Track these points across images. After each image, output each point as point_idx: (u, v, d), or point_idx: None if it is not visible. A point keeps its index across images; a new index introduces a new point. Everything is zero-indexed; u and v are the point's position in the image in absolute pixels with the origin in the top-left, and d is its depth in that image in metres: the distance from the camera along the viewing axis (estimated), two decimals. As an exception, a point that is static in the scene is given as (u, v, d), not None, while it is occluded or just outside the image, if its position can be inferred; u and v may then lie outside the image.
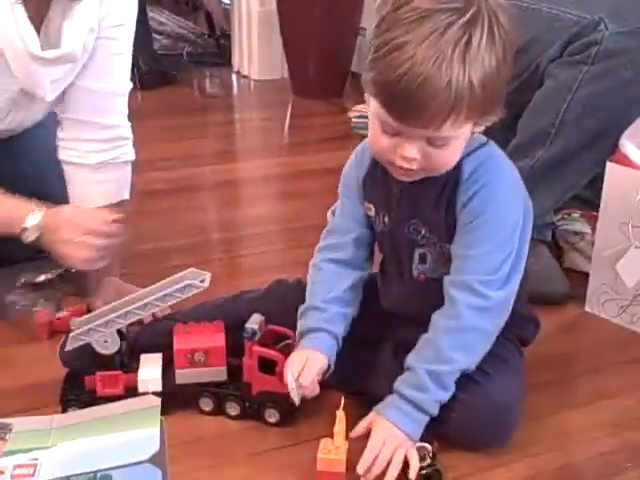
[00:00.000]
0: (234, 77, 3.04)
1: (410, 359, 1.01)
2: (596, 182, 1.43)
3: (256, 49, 2.97)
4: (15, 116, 1.30)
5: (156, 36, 3.18)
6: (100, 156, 1.30)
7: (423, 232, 1.04)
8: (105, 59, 1.26)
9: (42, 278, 1.39)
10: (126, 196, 1.36)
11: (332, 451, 0.99)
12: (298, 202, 1.88)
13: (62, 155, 1.32)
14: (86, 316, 1.11)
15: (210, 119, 2.57)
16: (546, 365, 1.22)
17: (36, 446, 0.73)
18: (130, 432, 0.73)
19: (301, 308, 1.09)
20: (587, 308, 1.41)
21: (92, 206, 1.27)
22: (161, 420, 0.74)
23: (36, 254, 1.35)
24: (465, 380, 1.01)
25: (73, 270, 1.35)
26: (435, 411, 1.00)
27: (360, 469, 0.97)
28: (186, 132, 2.37)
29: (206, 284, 1.06)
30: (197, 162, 2.20)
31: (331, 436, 1.00)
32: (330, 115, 2.52)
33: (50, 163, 1.34)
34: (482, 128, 0.98)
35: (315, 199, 1.80)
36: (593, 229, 1.47)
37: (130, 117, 1.35)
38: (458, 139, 0.94)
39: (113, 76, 1.29)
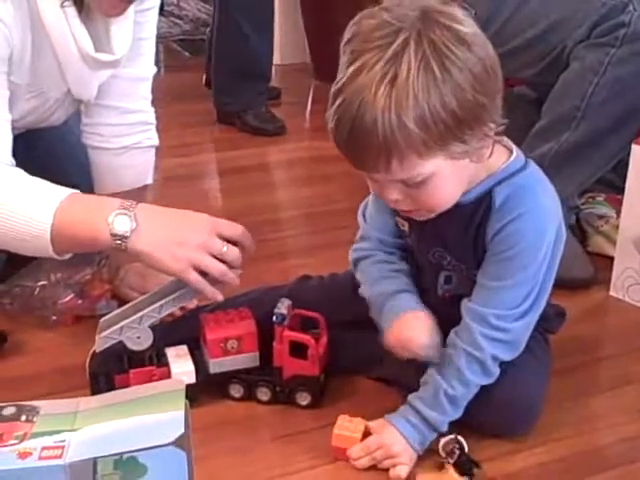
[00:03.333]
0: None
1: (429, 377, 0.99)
2: (620, 165, 1.41)
3: (278, 33, 2.95)
4: (60, 115, 1.30)
5: (176, 21, 3.17)
6: (124, 140, 1.31)
7: (449, 259, 1.01)
8: (132, 43, 1.24)
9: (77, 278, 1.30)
10: (150, 181, 1.37)
11: (348, 428, 1.00)
12: (320, 187, 1.87)
13: (87, 140, 1.33)
14: (112, 314, 1.09)
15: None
16: (570, 350, 1.21)
17: (63, 428, 0.74)
18: (155, 415, 0.74)
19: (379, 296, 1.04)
20: (612, 292, 1.40)
21: (116, 191, 1.27)
22: (186, 403, 0.74)
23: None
24: None
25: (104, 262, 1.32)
26: (444, 429, 0.99)
27: (349, 452, 0.98)
28: (207, 117, 2.37)
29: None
30: (218, 147, 2.20)
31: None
32: (352, 99, 2.50)
33: (74, 156, 1.35)
34: (485, 154, 0.89)
35: (337, 184, 1.79)
36: (618, 212, 1.46)
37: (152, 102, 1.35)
38: (437, 176, 0.86)
39: (139, 61, 1.29)
